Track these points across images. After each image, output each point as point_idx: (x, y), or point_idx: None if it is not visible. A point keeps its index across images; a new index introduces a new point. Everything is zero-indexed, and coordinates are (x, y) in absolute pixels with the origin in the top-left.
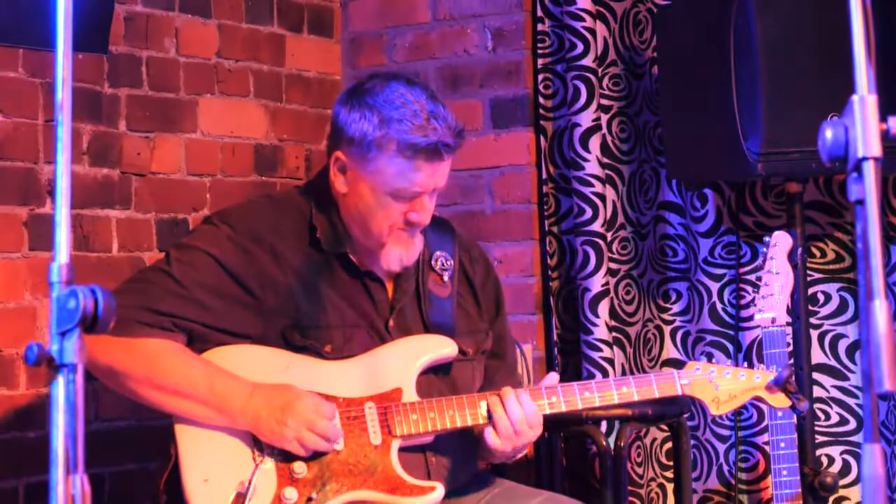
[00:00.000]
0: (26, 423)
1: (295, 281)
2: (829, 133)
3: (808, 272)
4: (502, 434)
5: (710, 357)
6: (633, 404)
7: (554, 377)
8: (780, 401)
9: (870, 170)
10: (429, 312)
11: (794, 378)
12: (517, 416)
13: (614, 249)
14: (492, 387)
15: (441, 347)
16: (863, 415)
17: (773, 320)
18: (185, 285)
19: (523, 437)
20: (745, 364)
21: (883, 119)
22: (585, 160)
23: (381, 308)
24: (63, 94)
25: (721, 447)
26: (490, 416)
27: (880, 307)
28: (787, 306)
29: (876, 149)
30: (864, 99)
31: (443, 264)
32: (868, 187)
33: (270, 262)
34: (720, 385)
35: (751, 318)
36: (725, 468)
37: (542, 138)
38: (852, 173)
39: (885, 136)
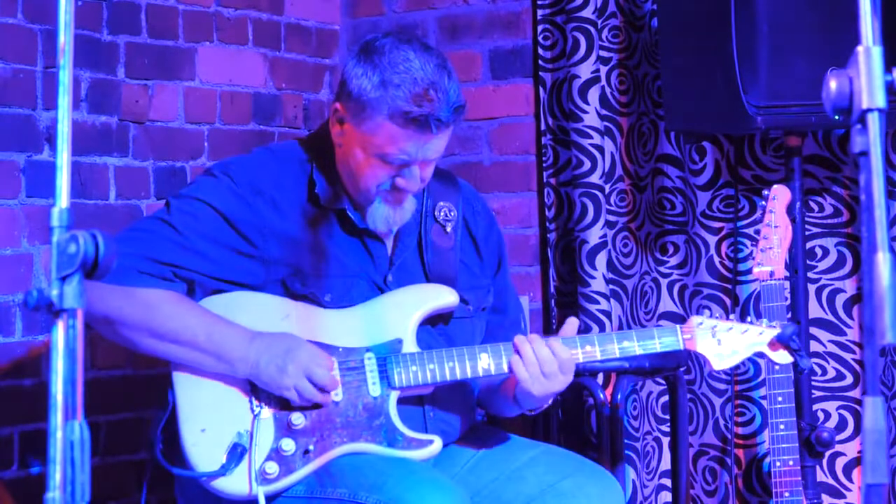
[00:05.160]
0: (22, 371)
1: (295, 232)
2: (833, 84)
3: (806, 226)
4: (531, 373)
5: (707, 311)
6: (631, 357)
7: (574, 322)
8: (783, 357)
9: (874, 121)
10: (431, 263)
11: (797, 335)
12: (545, 355)
13: (612, 201)
14: (493, 341)
15: (442, 297)
16: (864, 368)
17: (772, 274)
18: (186, 235)
19: (554, 379)
20: (748, 319)
21: (888, 71)
22: (584, 112)
23: (380, 264)
24: (65, 38)
25: (717, 401)
26: (518, 353)
27: (883, 259)
28: (786, 260)
29: (881, 100)
30: (870, 50)
31: (446, 215)
32: (872, 139)
33: (271, 214)
34: (722, 340)
35: (748, 271)
36: (721, 422)
37: (541, 89)
38: (856, 125)
39: (890, 88)
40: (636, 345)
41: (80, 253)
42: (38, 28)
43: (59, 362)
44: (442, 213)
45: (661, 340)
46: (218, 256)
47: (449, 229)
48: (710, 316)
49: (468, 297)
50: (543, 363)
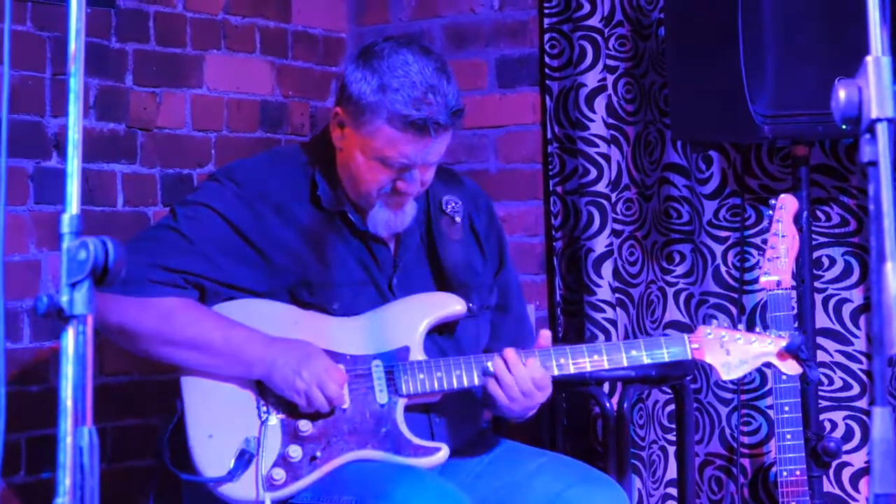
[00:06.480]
0: (29, 377)
1: (301, 238)
2: (842, 93)
3: (813, 236)
4: (509, 395)
5: (714, 320)
6: (638, 366)
7: (547, 334)
8: (792, 367)
9: (883, 131)
10: (444, 255)
11: (806, 345)
12: (523, 377)
13: (619, 210)
14: (498, 341)
15: (449, 306)
16: (871, 378)
17: (779, 283)
18: (195, 241)
19: (532, 398)
20: (756, 329)
21: None
22: (591, 120)
23: (384, 266)
24: (76, 46)
25: (723, 410)
26: (496, 377)
27: (892, 270)
28: (792, 270)
29: (890, 110)
30: (879, 60)
31: (453, 207)
32: (881, 149)
33: (276, 219)
34: (731, 350)
35: (755, 281)
36: (728, 431)
37: (547, 98)
38: (865, 134)
39: None
40: (643, 354)
41: (90, 259)
42: (46, 35)
43: (68, 368)
44: (449, 206)
45: (669, 350)
46: (224, 262)
47: (458, 220)
48: (718, 325)
49: (473, 295)
50: (521, 382)
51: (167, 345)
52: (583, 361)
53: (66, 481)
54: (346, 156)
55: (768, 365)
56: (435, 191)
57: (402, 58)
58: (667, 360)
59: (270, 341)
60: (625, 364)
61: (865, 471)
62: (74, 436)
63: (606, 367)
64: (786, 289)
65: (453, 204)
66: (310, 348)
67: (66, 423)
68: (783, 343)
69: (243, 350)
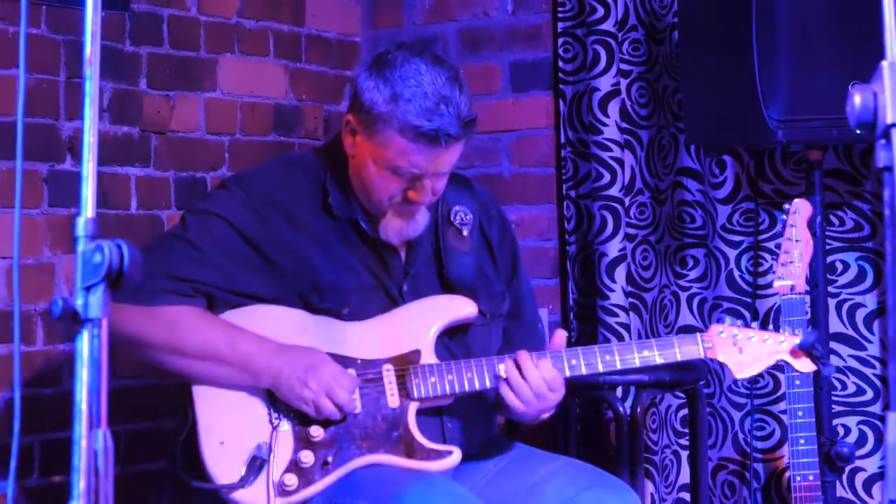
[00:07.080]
0: (43, 380)
1: (311, 244)
2: (857, 98)
3: (827, 241)
4: (522, 399)
5: (728, 318)
6: (651, 370)
7: (562, 334)
8: (806, 365)
9: None
10: (450, 268)
11: (819, 342)
12: (535, 379)
13: (632, 214)
14: (511, 347)
15: (460, 308)
16: (884, 383)
17: (792, 288)
18: (203, 250)
19: (545, 401)
20: (769, 328)
21: None
22: (604, 125)
23: (395, 274)
24: (92, 49)
25: (737, 415)
26: (508, 381)
27: None
28: (806, 275)
29: None
30: (894, 65)
31: (462, 219)
32: None
33: (285, 226)
34: (744, 348)
35: (768, 285)
36: (741, 436)
37: (561, 102)
38: (881, 140)
39: None
40: (656, 354)
41: (106, 263)
42: (61, 38)
43: (83, 371)
44: (458, 217)
45: (682, 349)
46: (234, 271)
47: (465, 233)
48: (731, 324)
49: (484, 304)
50: (533, 385)
51: (175, 354)
52: (595, 362)
53: (80, 484)
54: (357, 163)
55: (782, 363)
56: (446, 199)
57: (414, 67)
58: (679, 359)
59: (277, 350)
60: (637, 364)
61: (879, 476)
62: (89, 439)
63: (619, 367)
64: (799, 293)
65: (462, 215)
66: (317, 356)
67: (81, 427)
68: (797, 340)
69: (250, 360)
